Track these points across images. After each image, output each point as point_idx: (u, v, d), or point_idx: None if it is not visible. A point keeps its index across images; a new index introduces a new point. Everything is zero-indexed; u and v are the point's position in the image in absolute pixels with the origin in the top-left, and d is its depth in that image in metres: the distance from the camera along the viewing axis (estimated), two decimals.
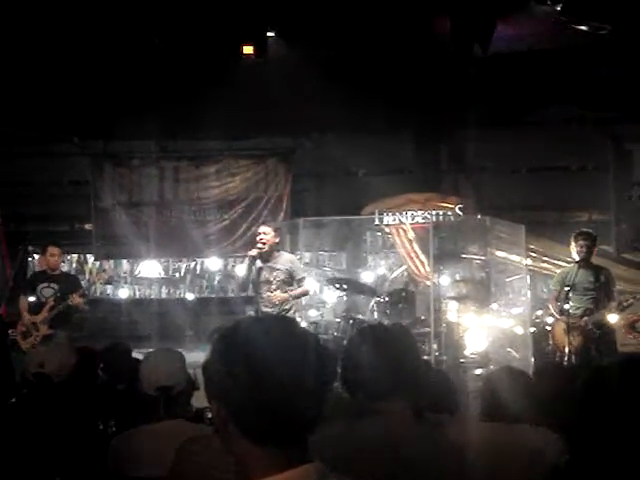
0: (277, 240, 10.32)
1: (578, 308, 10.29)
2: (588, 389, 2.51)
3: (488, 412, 4.22)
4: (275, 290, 10.10)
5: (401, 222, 12.12)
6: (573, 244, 10.39)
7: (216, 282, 17.67)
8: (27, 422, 4.54)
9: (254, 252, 10.16)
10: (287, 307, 10.14)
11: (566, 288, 10.17)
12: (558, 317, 10.43)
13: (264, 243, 10.12)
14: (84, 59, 11.42)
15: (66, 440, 4.46)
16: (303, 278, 10.34)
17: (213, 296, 17.20)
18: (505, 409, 4.09)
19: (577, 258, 10.33)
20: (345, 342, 11.01)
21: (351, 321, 11.48)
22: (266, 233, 10.23)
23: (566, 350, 9.95)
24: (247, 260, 10.46)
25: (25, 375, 5.06)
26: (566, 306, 10.12)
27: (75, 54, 11.24)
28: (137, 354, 7.17)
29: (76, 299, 11.16)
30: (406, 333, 3.66)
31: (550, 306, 10.84)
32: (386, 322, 10.26)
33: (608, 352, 10.06)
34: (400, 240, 12.93)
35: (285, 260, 10.24)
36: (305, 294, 10.64)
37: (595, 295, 10.36)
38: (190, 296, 17.23)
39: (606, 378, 2.50)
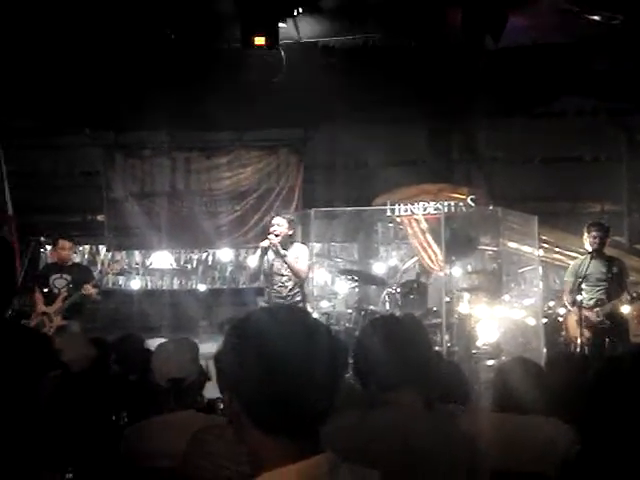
0: (290, 232, 10.30)
1: (591, 299, 10.29)
2: (600, 380, 2.50)
3: (500, 403, 4.22)
4: (287, 282, 10.11)
5: (413, 213, 12.12)
6: (586, 235, 10.38)
7: (228, 273, 17.68)
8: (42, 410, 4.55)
9: (266, 243, 10.15)
10: (298, 299, 10.14)
11: (579, 279, 10.17)
12: (571, 308, 10.44)
13: (277, 235, 10.11)
14: (95, 49, 11.43)
15: (80, 430, 4.48)
16: (306, 265, 10.27)
17: (225, 287, 17.21)
18: (517, 400, 4.09)
19: (590, 249, 10.32)
20: (357, 333, 11.04)
21: (363, 312, 11.49)
22: (280, 225, 10.21)
23: (578, 341, 9.96)
24: (259, 251, 10.45)
25: None
26: (578, 297, 10.12)
27: (86, 45, 11.26)
28: (149, 345, 7.18)
29: (89, 289, 11.20)
30: (417, 324, 3.66)
31: (563, 297, 10.84)
32: (398, 313, 10.27)
33: (620, 343, 10.06)
34: (412, 231, 12.93)
35: (295, 251, 10.23)
36: (298, 270, 10.25)
37: (607, 286, 10.35)
38: (202, 287, 17.24)
39: (618, 369, 2.49)
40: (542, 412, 3.97)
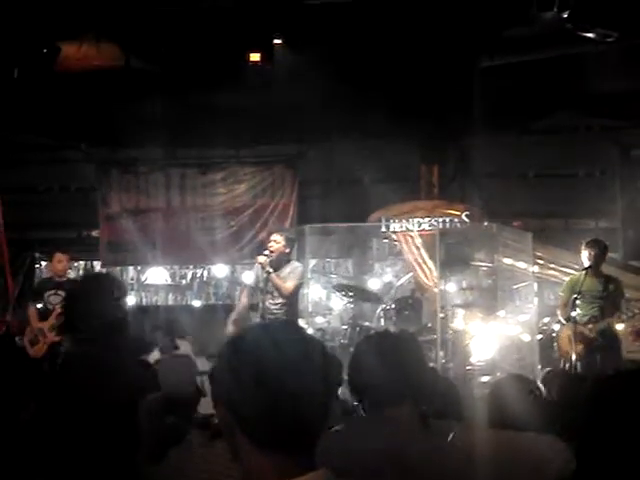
0: (287, 250, 10.23)
1: (584, 315, 10.30)
2: (591, 399, 2.50)
3: (494, 420, 4.22)
4: (276, 298, 10.06)
5: (408, 229, 12.11)
6: (583, 252, 10.40)
7: (223, 289, 17.66)
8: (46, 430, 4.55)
9: (262, 259, 10.12)
10: (285, 315, 10.07)
11: (574, 295, 10.18)
12: (565, 323, 10.44)
13: (272, 251, 10.08)
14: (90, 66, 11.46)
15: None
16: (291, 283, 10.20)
17: (220, 303, 17.17)
18: (511, 417, 4.09)
19: (586, 265, 10.34)
20: (351, 349, 11.01)
21: (357, 328, 11.49)
22: (277, 242, 10.15)
23: (572, 357, 9.96)
24: (255, 266, 10.44)
25: None
26: (573, 313, 10.13)
27: (81, 62, 11.28)
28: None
29: None
30: (412, 340, 3.67)
31: (558, 312, 10.85)
32: (392, 329, 10.25)
33: (612, 360, 10.05)
34: (407, 247, 12.93)
35: (287, 269, 10.17)
36: (280, 287, 10.08)
37: (602, 304, 10.36)
38: (197, 303, 17.22)
39: (609, 388, 2.50)
40: (537, 429, 3.97)
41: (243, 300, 10.59)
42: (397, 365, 3.30)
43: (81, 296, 4.55)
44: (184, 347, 11.15)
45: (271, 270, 9.98)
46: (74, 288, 4.47)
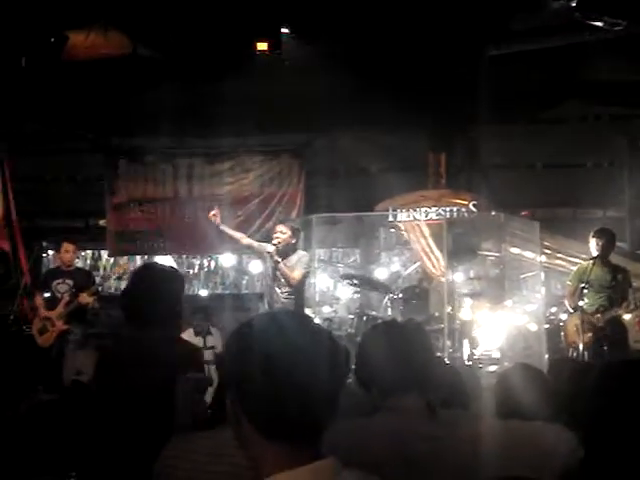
0: (293, 241, 10.29)
1: (592, 305, 10.29)
2: (598, 388, 2.50)
3: (502, 409, 4.22)
4: (283, 287, 10.12)
5: (415, 219, 12.09)
6: (592, 241, 10.39)
7: (230, 279, 17.69)
8: (59, 424, 4.58)
9: (270, 248, 10.16)
10: (292, 303, 10.12)
11: (582, 284, 10.17)
12: (572, 313, 10.44)
13: (279, 242, 10.12)
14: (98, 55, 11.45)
15: (97, 442, 4.49)
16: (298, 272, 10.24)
17: (227, 292, 17.20)
18: (519, 406, 4.08)
19: (594, 255, 10.33)
20: (359, 338, 11.03)
21: (364, 318, 11.49)
22: (283, 232, 10.21)
23: (580, 347, 9.96)
24: (267, 255, 10.48)
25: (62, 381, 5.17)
26: (580, 302, 10.13)
27: (89, 50, 11.27)
28: None
29: (85, 298, 11.20)
30: (419, 329, 3.66)
31: (565, 301, 10.84)
32: (400, 319, 10.26)
33: (620, 350, 10.05)
34: (414, 237, 12.92)
35: (294, 258, 10.23)
36: (288, 276, 10.19)
37: (610, 293, 10.36)
38: (204, 292, 17.24)
39: (616, 378, 2.49)
40: (545, 418, 3.96)
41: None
42: (403, 354, 3.30)
43: (149, 283, 4.79)
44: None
45: (279, 259, 10.02)
46: (141, 275, 4.72)
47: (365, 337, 3.62)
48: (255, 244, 10.87)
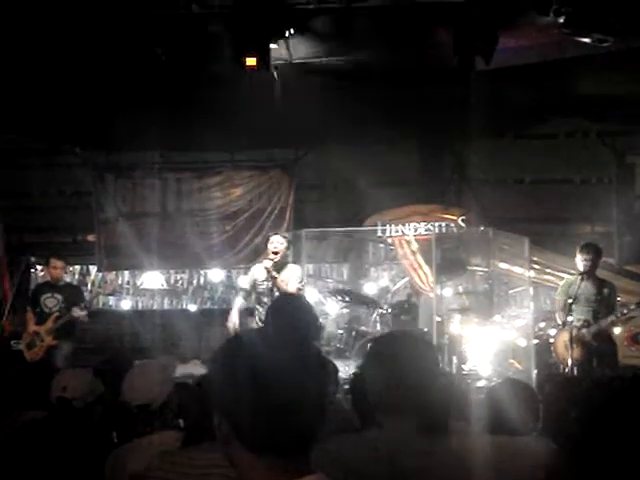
0: (288, 252, 10.36)
1: (579, 320, 10.31)
2: (587, 403, 2.50)
3: (491, 424, 4.21)
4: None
5: (404, 234, 12.14)
6: (578, 256, 10.42)
7: (218, 293, 17.66)
8: (43, 443, 4.55)
9: (268, 263, 10.17)
10: None
11: (569, 299, 10.19)
12: (561, 327, 10.46)
13: (277, 252, 10.14)
14: (85, 69, 11.43)
15: (81, 458, 4.47)
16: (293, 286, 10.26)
17: (215, 307, 17.17)
18: (507, 421, 4.08)
19: (581, 270, 10.35)
20: (347, 354, 11.04)
21: (353, 333, 11.50)
22: (280, 243, 10.27)
23: (569, 362, 9.97)
24: (251, 271, 10.47)
25: (49, 398, 5.14)
26: (569, 318, 10.15)
27: (77, 65, 11.26)
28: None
29: (78, 312, 11.17)
30: (423, 345, 3.54)
31: (555, 316, 10.87)
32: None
33: (608, 364, 10.07)
34: (403, 252, 12.93)
35: (287, 272, 10.25)
36: (285, 291, 10.21)
37: (596, 308, 10.38)
38: (192, 307, 17.22)
39: (604, 393, 2.49)
40: (532, 432, 3.96)
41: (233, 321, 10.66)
42: (403, 373, 3.22)
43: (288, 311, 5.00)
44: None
45: (277, 275, 10.05)
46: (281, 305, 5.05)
47: (370, 351, 3.53)
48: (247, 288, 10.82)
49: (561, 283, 11.08)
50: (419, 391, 3.22)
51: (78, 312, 11.18)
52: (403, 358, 3.26)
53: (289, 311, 4.84)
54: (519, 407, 4.19)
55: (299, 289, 10.35)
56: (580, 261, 10.39)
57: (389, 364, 3.24)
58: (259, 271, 10.39)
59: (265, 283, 10.24)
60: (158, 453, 3.66)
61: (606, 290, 10.47)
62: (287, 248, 10.31)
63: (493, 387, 4.82)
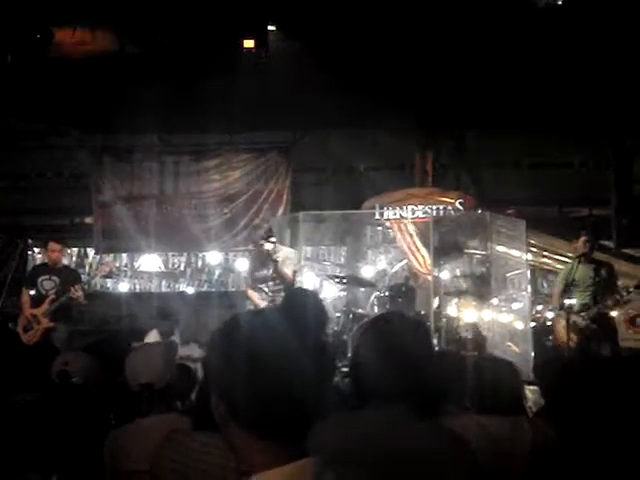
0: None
1: (578, 304, 10.33)
2: (583, 384, 2.51)
3: (478, 403, 4.18)
4: (274, 285, 10.15)
5: (401, 217, 12.13)
6: (577, 239, 10.47)
7: (216, 276, 17.69)
8: (42, 420, 4.56)
9: (269, 246, 10.19)
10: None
11: (567, 284, 10.23)
12: (558, 312, 10.49)
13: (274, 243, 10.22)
14: (84, 51, 11.42)
15: (71, 435, 4.48)
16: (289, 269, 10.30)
17: (213, 290, 17.20)
18: (492, 400, 4.06)
19: (578, 253, 10.39)
20: (345, 336, 11.05)
21: (351, 315, 11.49)
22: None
23: (567, 346, 9.99)
24: (252, 255, 10.52)
25: (50, 375, 5.15)
26: (567, 301, 10.18)
27: (76, 46, 11.24)
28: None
29: (77, 292, 11.16)
30: (419, 328, 3.50)
31: (554, 301, 10.90)
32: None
33: (607, 348, 10.09)
34: (401, 234, 12.92)
35: (282, 255, 10.26)
36: (284, 274, 10.36)
37: (594, 290, 10.40)
38: (190, 290, 17.25)
39: (600, 374, 2.51)
40: (528, 414, 3.97)
41: (255, 297, 10.58)
42: (400, 358, 3.19)
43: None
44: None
45: (279, 259, 10.08)
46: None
47: (359, 337, 3.52)
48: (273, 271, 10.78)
49: (561, 267, 11.12)
50: (414, 374, 3.20)
51: (78, 292, 11.15)
52: (398, 341, 3.24)
53: (302, 301, 4.83)
54: (503, 385, 4.16)
55: (295, 272, 10.36)
56: (577, 244, 10.43)
57: (384, 347, 3.23)
58: (257, 256, 10.40)
59: (264, 268, 10.26)
60: (169, 434, 3.65)
61: (604, 272, 10.49)
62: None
63: (476, 364, 4.69)
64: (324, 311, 5.22)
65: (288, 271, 10.16)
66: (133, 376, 4.59)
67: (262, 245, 10.43)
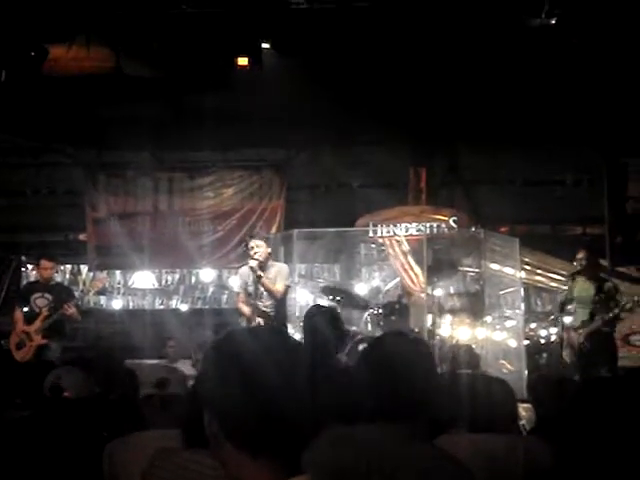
0: (269, 250, 10.28)
1: (577, 320, 10.36)
2: (576, 403, 2.51)
3: (469, 421, 4.16)
4: (265, 301, 10.10)
5: (395, 234, 12.13)
6: (577, 256, 10.53)
7: (209, 293, 17.67)
8: (36, 436, 4.55)
9: (253, 263, 10.10)
10: (274, 317, 10.10)
11: (566, 301, 10.28)
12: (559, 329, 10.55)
13: (259, 257, 10.07)
14: (78, 69, 11.44)
15: (72, 453, 4.48)
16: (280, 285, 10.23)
17: (206, 307, 17.17)
18: (484, 417, 4.05)
19: (577, 269, 10.44)
20: (338, 354, 11.02)
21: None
22: (259, 246, 10.16)
23: (564, 362, 10.02)
24: (240, 272, 10.46)
25: (42, 390, 5.14)
26: (565, 319, 10.21)
27: (70, 64, 11.26)
28: (131, 364, 7.15)
29: (70, 309, 11.13)
30: (418, 350, 3.46)
31: (556, 317, 10.96)
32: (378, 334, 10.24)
33: (603, 365, 10.08)
34: (394, 252, 12.91)
35: (274, 270, 10.20)
36: (271, 290, 10.29)
37: (593, 307, 10.40)
38: (183, 307, 17.22)
39: (594, 392, 2.50)
40: (520, 432, 3.96)
41: (245, 310, 10.48)
42: (400, 380, 3.16)
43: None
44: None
45: (262, 274, 10.00)
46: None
47: (361, 358, 3.47)
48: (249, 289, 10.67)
49: (556, 285, 11.17)
50: (416, 396, 3.18)
51: (71, 309, 11.13)
52: (399, 361, 3.22)
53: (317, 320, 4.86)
54: (496, 403, 4.15)
55: (286, 288, 10.31)
56: (579, 260, 10.50)
57: (384, 367, 3.21)
58: (246, 272, 10.33)
59: (254, 284, 10.18)
60: (158, 451, 3.64)
61: (605, 290, 10.48)
62: (267, 248, 10.22)
63: (469, 382, 4.65)
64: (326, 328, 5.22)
65: (279, 286, 10.09)
66: (150, 375, 4.61)
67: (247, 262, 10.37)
